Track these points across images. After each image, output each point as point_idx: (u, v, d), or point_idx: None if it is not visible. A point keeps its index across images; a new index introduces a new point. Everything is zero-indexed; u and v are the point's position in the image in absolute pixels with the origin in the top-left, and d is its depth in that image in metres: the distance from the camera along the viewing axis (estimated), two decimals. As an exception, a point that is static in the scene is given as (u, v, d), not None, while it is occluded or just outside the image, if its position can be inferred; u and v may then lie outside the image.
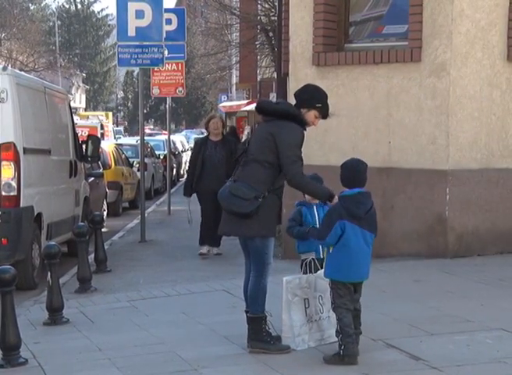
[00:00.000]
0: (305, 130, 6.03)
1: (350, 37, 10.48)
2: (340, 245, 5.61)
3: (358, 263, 5.64)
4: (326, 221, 5.70)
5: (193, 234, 11.82)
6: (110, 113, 56.06)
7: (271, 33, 22.97)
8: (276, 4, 16.57)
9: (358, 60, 9.98)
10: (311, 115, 6.02)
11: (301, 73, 10.49)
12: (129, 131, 68.69)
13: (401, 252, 9.66)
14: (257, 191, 5.82)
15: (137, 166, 19.30)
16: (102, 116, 41.93)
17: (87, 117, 38.22)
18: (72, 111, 13.04)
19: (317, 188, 6.01)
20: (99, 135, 30.18)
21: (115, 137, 35.80)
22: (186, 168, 16.92)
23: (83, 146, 12.48)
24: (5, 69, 9.61)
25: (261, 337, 5.97)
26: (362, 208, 5.61)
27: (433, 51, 9.45)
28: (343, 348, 5.56)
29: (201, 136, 18.72)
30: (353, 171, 5.73)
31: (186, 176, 12.86)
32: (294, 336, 5.91)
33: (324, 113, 6.11)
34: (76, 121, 24.74)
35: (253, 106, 42.49)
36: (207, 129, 11.63)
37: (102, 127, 33.55)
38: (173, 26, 15.95)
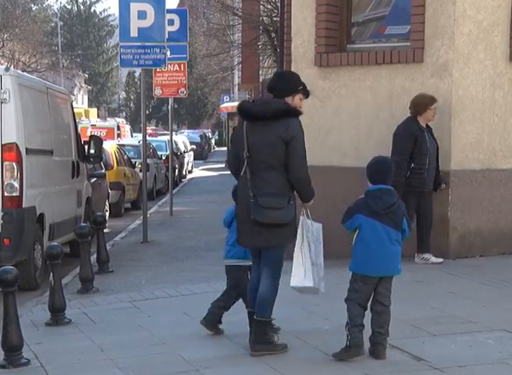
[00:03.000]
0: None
1: (352, 37, 10.47)
2: (358, 239, 5.72)
3: (375, 258, 5.68)
4: (350, 210, 5.81)
5: (195, 235, 11.83)
6: (91, 110, 54.32)
7: (273, 34, 22.99)
8: (278, 5, 16.59)
9: (360, 61, 9.97)
10: (297, 100, 6.03)
11: (303, 73, 10.44)
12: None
13: (403, 253, 9.62)
14: (285, 196, 5.83)
15: (139, 166, 19.33)
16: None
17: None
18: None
19: (311, 188, 6.04)
20: (115, 136, 30.54)
21: (132, 136, 36.22)
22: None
23: (86, 147, 12.49)
24: (7, 69, 9.62)
25: (266, 339, 5.93)
26: (380, 203, 5.66)
27: (435, 52, 9.44)
28: (349, 338, 5.61)
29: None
30: (375, 168, 5.83)
31: None
32: (305, 274, 5.87)
33: (306, 93, 6.16)
34: (94, 123, 24.48)
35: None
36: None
37: (119, 128, 34.03)
38: (175, 27, 15.96)
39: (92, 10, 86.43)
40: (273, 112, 5.83)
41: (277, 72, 6.31)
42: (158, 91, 18.62)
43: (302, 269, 5.90)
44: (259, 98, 5.94)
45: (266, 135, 5.82)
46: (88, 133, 22.31)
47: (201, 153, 49.25)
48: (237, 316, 6.85)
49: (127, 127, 40.08)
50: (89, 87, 79.73)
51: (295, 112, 5.91)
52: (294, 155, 5.81)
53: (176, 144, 30.10)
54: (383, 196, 5.71)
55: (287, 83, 6.08)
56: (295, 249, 5.95)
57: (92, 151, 12.43)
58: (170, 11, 15.71)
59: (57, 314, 7.50)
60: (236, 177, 6.11)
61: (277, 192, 5.81)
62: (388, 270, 5.78)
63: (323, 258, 6.01)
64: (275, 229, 5.83)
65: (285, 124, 5.81)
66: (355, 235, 5.76)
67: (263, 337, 5.91)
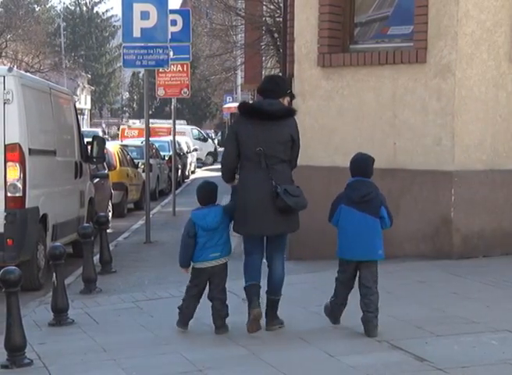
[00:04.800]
0: None
1: (355, 38, 10.47)
2: (339, 226, 6.36)
3: (353, 242, 6.24)
4: (333, 205, 6.44)
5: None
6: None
7: (276, 35, 22.98)
8: (281, 5, 16.58)
9: (363, 61, 9.97)
10: (285, 101, 6.60)
11: (306, 74, 10.50)
12: None
13: (406, 253, 9.65)
14: (296, 185, 6.50)
15: (142, 166, 19.33)
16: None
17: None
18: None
19: None
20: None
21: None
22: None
23: (89, 147, 12.49)
24: (10, 70, 9.63)
25: (277, 314, 6.63)
26: (357, 193, 6.29)
27: (438, 52, 9.44)
28: (330, 309, 6.52)
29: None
30: (357, 163, 6.52)
31: None
32: None
33: (292, 95, 6.80)
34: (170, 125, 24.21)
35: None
36: None
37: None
38: (178, 28, 15.96)
39: (95, 11, 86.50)
40: (283, 111, 6.44)
41: (269, 76, 7.26)
42: (160, 92, 18.63)
43: None
44: (259, 99, 6.34)
45: (279, 133, 6.39)
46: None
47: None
48: (240, 317, 6.85)
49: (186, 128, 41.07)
50: (92, 88, 79.81)
51: (294, 112, 6.56)
52: (297, 150, 6.56)
53: (179, 145, 30.10)
54: (360, 186, 6.33)
55: (279, 86, 6.61)
56: None
57: (95, 151, 12.43)
58: (173, 11, 15.72)
59: (60, 314, 7.50)
60: (231, 176, 6.57)
61: (290, 181, 6.43)
62: (366, 255, 6.26)
63: None
64: (294, 215, 6.46)
65: (292, 123, 6.49)
66: (338, 225, 6.38)
67: (276, 311, 6.62)
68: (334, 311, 6.51)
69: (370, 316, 6.17)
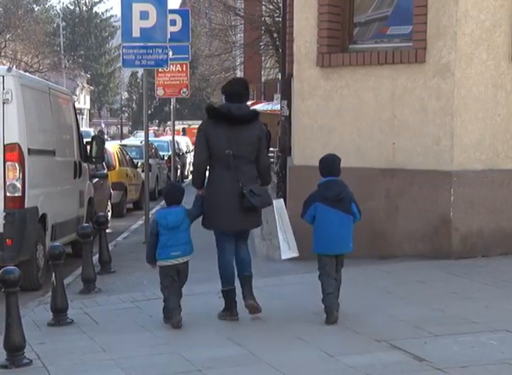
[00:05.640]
0: None
1: (355, 38, 10.47)
2: (315, 223, 6.79)
3: (329, 238, 6.73)
4: (306, 203, 6.88)
5: (197, 235, 11.77)
6: None
7: (275, 35, 23.01)
8: (281, 5, 16.59)
9: (362, 61, 9.97)
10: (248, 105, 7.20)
11: (305, 73, 10.50)
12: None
13: (405, 253, 9.65)
14: (259, 184, 7.04)
15: (142, 166, 19.33)
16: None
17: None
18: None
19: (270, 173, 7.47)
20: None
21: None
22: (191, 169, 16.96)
23: (88, 147, 12.49)
24: (9, 70, 9.63)
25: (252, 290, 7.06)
26: (331, 192, 6.74)
27: (438, 52, 9.44)
28: (325, 303, 6.72)
29: None
30: (326, 164, 6.96)
31: None
32: (289, 246, 7.02)
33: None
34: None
35: (257, 107, 42.54)
36: None
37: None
38: (178, 27, 15.95)
39: (94, 11, 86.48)
40: (251, 115, 7.01)
41: (234, 79, 7.75)
42: (160, 92, 18.63)
43: (286, 243, 7.05)
44: (226, 103, 6.80)
45: (247, 135, 6.91)
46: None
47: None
48: (240, 317, 6.86)
49: None
50: (91, 88, 79.80)
51: (259, 115, 7.17)
52: (263, 149, 7.06)
53: (178, 145, 30.11)
54: (333, 186, 6.78)
55: (247, 89, 7.12)
56: (277, 228, 7.05)
57: (94, 151, 12.43)
58: (172, 11, 15.71)
59: (59, 314, 7.50)
60: (202, 180, 7.08)
61: (255, 181, 6.99)
62: (341, 249, 6.81)
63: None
64: (257, 213, 6.99)
65: (258, 126, 7.05)
66: (314, 223, 6.79)
67: (251, 288, 7.02)
68: (328, 306, 6.71)
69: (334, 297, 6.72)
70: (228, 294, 7.08)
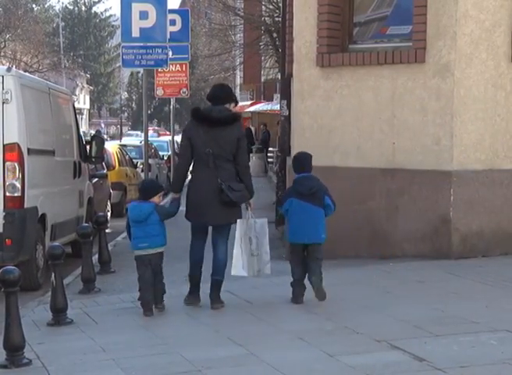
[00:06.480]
0: None
1: (354, 37, 10.47)
2: (289, 216, 7.38)
3: (297, 228, 7.29)
4: (284, 197, 7.60)
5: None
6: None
7: (275, 34, 23.01)
8: (280, 5, 16.59)
9: (362, 61, 9.97)
10: (231, 107, 7.57)
11: (305, 73, 10.50)
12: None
13: (405, 253, 9.65)
14: (239, 181, 7.42)
15: (141, 166, 19.32)
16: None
17: None
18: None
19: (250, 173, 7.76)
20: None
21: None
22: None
23: (87, 147, 12.48)
24: (9, 70, 9.62)
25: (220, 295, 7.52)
26: (304, 187, 7.27)
27: (437, 52, 9.44)
28: (292, 289, 7.28)
29: None
30: (299, 161, 7.49)
31: None
32: (243, 265, 7.36)
33: (236, 102, 7.80)
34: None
35: (257, 107, 42.46)
36: None
37: None
38: (177, 27, 15.98)
39: (93, 11, 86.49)
40: (231, 118, 7.43)
41: (217, 84, 8.41)
42: (159, 92, 18.63)
43: (241, 260, 7.38)
44: (209, 106, 7.59)
45: (227, 136, 7.36)
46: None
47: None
48: (240, 317, 6.85)
49: None
50: (91, 88, 79.82)
51: (239, 116, 7.67)
52: (242, 150, 7.46)
53: (178, 145, 30.10)
54: (306, 181, 7.30)
55: (227, 93, 7.69)
56: (235, 245, 7.39)
57: (94, 151, 12.42)
58: (172, 11, 15.74)
59: (59, 314, 7.49)
60: (181, 182, 7.67)
61: (234, 178, 7.39)
62: (311, 238, 7.27)
63: (268, 247, 7.51)
64: (235, 208, 7.42)
65: (237, 127, 7.51)
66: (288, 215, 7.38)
67: (219, 293, 7.50)
68: (295, 291, 7.28)
69: (315, 279, 7.25)
70: (192, 279, 7.65)
